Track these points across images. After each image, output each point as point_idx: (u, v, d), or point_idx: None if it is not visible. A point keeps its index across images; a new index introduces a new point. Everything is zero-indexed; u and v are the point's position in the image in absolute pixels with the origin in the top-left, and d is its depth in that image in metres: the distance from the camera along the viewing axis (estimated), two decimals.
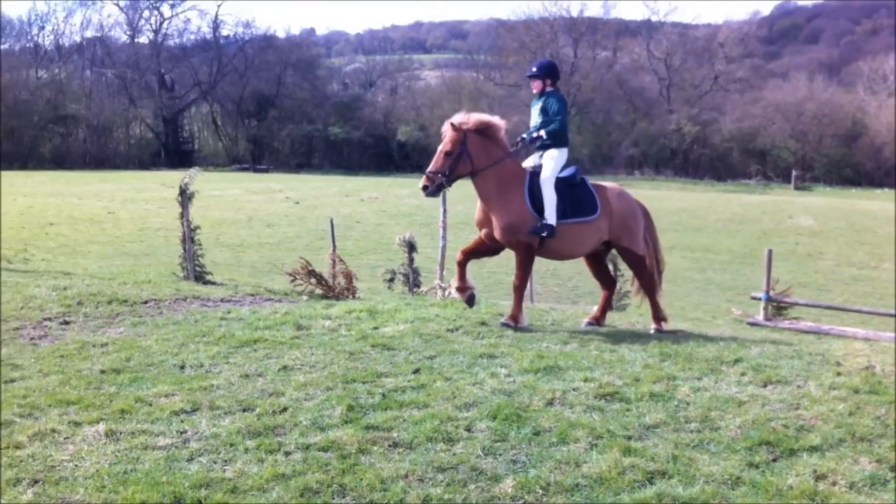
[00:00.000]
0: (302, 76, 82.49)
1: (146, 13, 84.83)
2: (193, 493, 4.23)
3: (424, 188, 8.26)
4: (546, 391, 5.86)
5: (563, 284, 17.60)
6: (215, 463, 4.62)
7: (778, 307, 12.66)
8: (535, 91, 8.73)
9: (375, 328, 7.85)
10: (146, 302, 9.14)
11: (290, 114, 79.54)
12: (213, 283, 11.21)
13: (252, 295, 10.45)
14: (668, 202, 37.69)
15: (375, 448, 4.82)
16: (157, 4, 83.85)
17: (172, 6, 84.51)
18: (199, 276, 11.24)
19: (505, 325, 8.21)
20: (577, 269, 14.58)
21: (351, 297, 11.17)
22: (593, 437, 5.02)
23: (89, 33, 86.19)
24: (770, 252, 12.42)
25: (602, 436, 5.04)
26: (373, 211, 31.29)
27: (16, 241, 17.66)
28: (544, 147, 8.54)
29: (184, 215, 11.32)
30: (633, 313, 10.68)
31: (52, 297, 9.08)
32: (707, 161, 68.21)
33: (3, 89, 70.83)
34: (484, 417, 5.32)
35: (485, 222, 8.40)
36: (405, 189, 39.80)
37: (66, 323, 8.12)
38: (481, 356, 6.82)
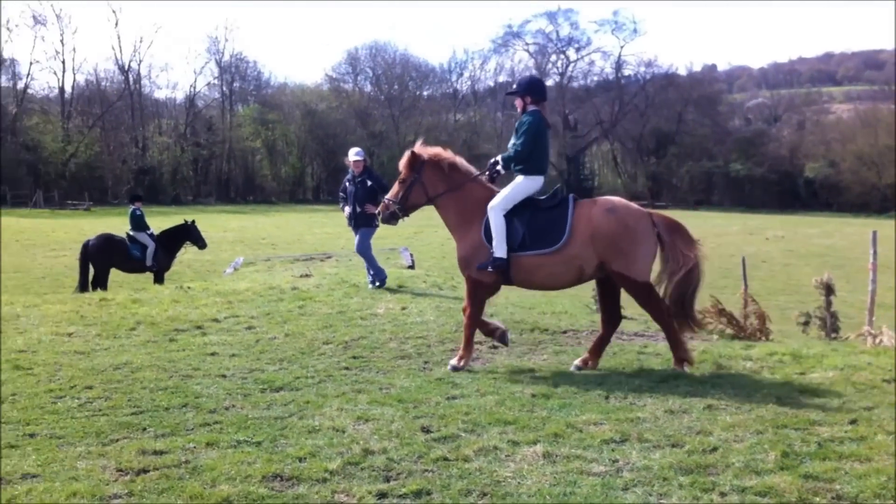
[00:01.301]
0: (703, 112, 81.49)
1: (553, 57, 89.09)
2: None
3: (375, 215, 7.65)
4: None
5: None
6: (650, 495, 4.65)
7: None
8: (518, 110, 7.90)
9: (801, 373, 7.44)
10: (565, 332, 9.52)
11: (689, 150, 78.83)
12: (625, 318, 11.35)
13: None
14: None
15: (817, 499, 4.55)
16: (564, 49, 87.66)
17: (578, 50, 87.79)
18: None
19: (454, 368, 7.60)
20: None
21: (764, 338, 10.70)
22: None
23: (501, 78, 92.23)
24: None
25: None
26: (779, 250, 29.87)
27: (438, 269, 19.36)
28: (521, 174, 7.76)
29: None
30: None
31: None
32: None
33: (425, 131, 78.15)
34: None
35: None
36: (814, 228, 37.50)
37: (495, 348, 8.69)
38: None
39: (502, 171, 7.99)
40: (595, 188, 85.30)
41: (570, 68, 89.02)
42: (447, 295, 12.12)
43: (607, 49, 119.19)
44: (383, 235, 26.08)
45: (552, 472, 4.95)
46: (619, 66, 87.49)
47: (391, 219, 8.17)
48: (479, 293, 7.82)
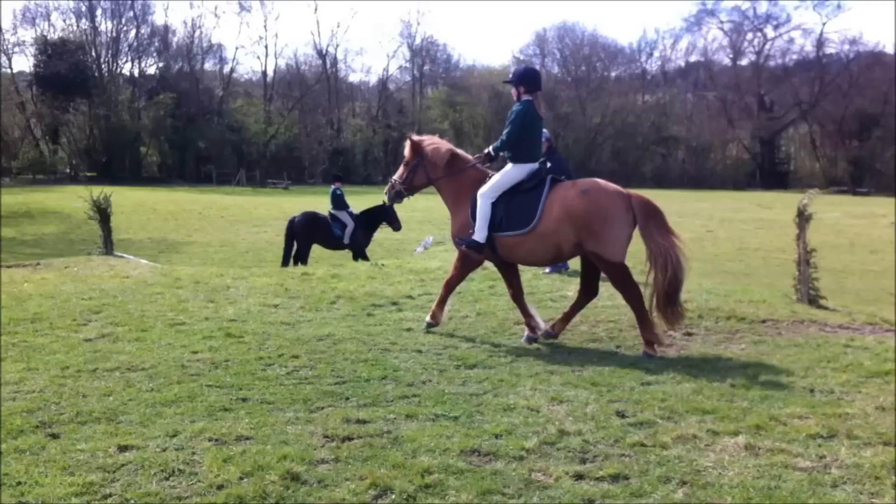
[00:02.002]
0: None
1: (749, 35, 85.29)
2: None
3: (387, 196, 8.97)
4: None
5: None
6: (861, 494, 4.42)
7: None
8: (514, 100, 8.34)
9: None
10: (764, 321, 9.14)
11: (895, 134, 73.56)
12: (827, 309, 10.80)
13: (870, 324, 9.83)
14: None
15: None
16: (761, 26, 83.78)
17: (776, 27, 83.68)
18: (813, 300, 10.90)
19: (428, 325, 8.51)
20: None
21: None
22: None
23: (693, 58, 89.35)
24: None
25: None
26: None
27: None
28: (510, 161, 8.25)
29: (800, 237, 11.09)
30: None
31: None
32: None
33: (612, 113, 76.87)
34: None
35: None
36: None
37: (689, 335, 8.48)
38: None
39: (495, 158, 8.60)
40: (790, 172, 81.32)
41: (767, 47, 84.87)
42: (639, 280, 11.88)
43: (808, 26, 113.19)
44: None
45: (755, 465, 4.80)
46: (820, 43, 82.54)
47: (396, 197, 9.05)
48: (466, 265, 8.61)
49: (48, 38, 71.31)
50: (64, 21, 74.96)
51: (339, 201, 18.23)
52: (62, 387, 6.43)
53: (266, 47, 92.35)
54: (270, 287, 11.08)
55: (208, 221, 32.71)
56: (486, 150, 8.64)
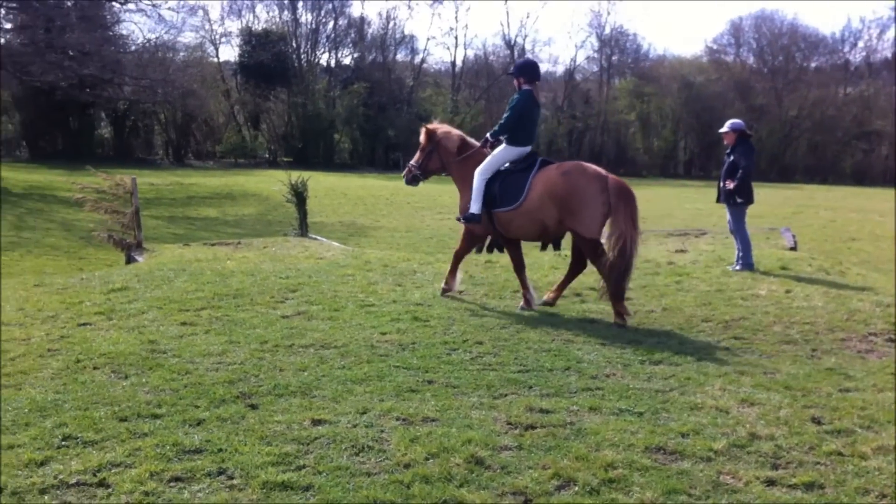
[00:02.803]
0: None
1: None
2: None
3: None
4: None
5: None
6: None
7: None
8: (515, 89, 9.29)
9: None
10: None
11: None
12: None
13: None
14: None
15: None
16: None
17: None
18: None
19: (443, 290, 9.60)
20: None
21: None
22: None
23: None
24: None
25: None
26: None
27: (820, 252, 18.09)
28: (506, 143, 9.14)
29: None
30: None
31: (876, 312, 9.02)
32: None
33: (811, 106, 73.03)
34: None
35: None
36: None
37: (892, 341, 7.96)
38: None
39: (494, 143, 9.38)
40: None
41: None
42: (835, 281, 11.28)
43: None
44: (760, 214, 24.93)
45: None
46: None
47: (413, 181, 9.95)
48: (471, 238, 9.68)
49: (252, 29, 75.19)
50: (267, 13, 78.93)
51: None
52: (261, 360, 6.80)
53: (456, 38, 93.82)
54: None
55: (395, 207, 33.58)
56: (486, 139, 9.46)
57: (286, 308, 8.90)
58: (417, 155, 9.85)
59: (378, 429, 5.22)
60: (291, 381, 6.20)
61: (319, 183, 37.82)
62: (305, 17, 79.46)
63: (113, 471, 4.58)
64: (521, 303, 9.15)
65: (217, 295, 9.49)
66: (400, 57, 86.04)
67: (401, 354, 7.01)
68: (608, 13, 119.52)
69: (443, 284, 9.69)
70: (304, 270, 11.37)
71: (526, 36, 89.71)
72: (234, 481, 4.48)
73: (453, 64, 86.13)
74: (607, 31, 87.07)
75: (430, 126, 9.87)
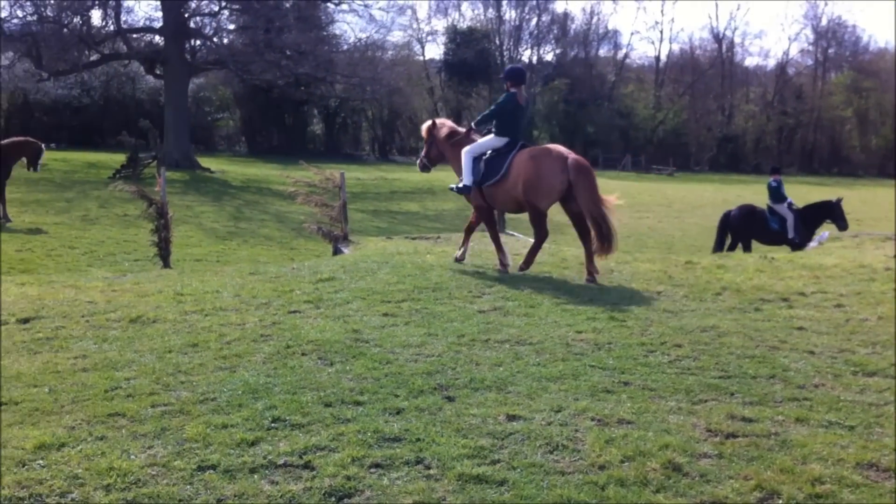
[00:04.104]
0: None
1: None
2: None
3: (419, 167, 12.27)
4: None
5: None
6: None
7: None
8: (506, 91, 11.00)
9: None
10: None
11: None
12: None
13: None
14: None
15: None
16: None
17: None
18: None
19: (456, 259, 11.47)
20: None
21: None
22: None
23: None
24: None
25: None
26: None
27: None
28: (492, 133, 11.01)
29: None
30: None
31: None
32: None
33: None
34: None
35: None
36: None
37: None
38: None
39: (475, 130, 11.36)
40: None
41: None
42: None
43: None
44: None
45: None
46: None
47: (423, 169, 12.16)
48: (479, 213, 11.36)
49: (457, 27, 76.69)
50: (472, 11, 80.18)
51: (776, 194, 17.90)
52: (458, 353, 6.93)
53: (661, 32, 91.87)
54: (654, 273, 11.02)
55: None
56: (469, 127, 11.47)
57: (483, 303, 9.02)
58: (425, 147, 11.93)
59: (573, 428, 5.20)
60: (487, 376, 6.28)
61: None
62: (509, 14, 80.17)
63: (318, 454, 4.80)
64: (499, 266, 10.93)
65: (417, 288, 9.75)
66: (602, 52, 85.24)
67: (596, 354, 6.95)
68: (825, 4, 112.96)
69: (458, 253, 11.46)
70: None
71: (735, 28, 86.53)
72: (431, 471, 4.59)
73: (657, 59, 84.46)
74: (824, 22, 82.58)
75: (429, 122, 12.09)
